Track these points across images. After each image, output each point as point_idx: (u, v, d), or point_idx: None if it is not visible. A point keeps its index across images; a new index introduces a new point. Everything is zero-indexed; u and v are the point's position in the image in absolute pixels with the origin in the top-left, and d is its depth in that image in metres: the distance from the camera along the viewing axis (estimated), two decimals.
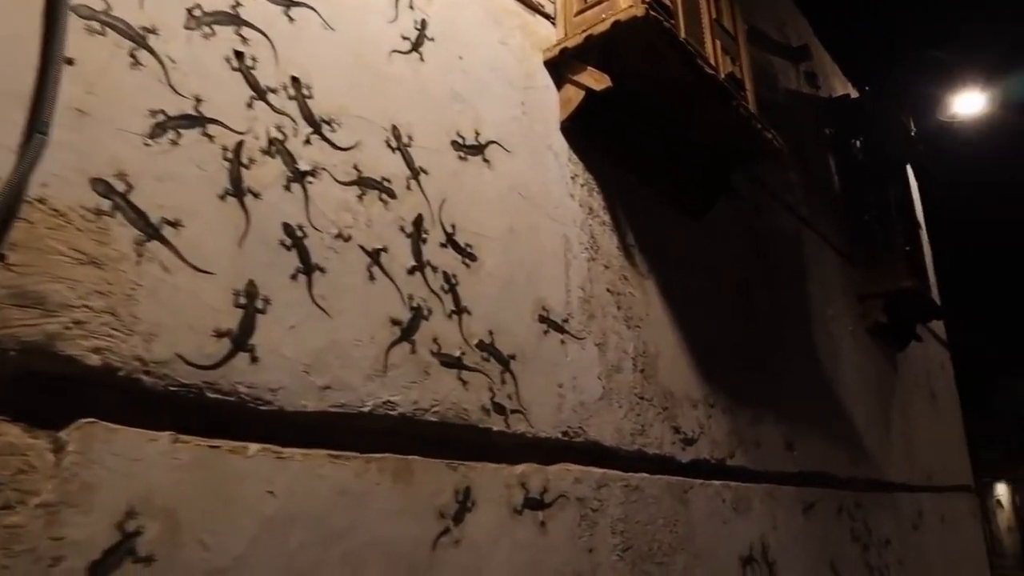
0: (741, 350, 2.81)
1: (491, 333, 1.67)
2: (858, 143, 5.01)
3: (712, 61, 2.48)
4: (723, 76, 2.50)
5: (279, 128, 1.35)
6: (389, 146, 1.56)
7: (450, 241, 1.63)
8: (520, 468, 1.66)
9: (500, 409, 1.64)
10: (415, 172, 1.60)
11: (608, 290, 2.09)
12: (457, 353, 1.57)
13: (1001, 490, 42.01)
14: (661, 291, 2.34)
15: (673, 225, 2.53)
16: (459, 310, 1.60)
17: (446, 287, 1.59)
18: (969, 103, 9.63)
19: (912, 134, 5.22)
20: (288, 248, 1.32)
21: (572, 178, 2.09)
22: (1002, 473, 40.99)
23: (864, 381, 4.17)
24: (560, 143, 2.08)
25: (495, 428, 1.62)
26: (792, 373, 3.22)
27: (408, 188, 1.57)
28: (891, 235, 4.57)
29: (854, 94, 5.46)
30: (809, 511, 3.05)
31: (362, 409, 1.36)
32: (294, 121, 1.38)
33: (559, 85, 2.14)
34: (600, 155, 2.23)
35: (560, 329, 1.87)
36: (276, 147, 1.34)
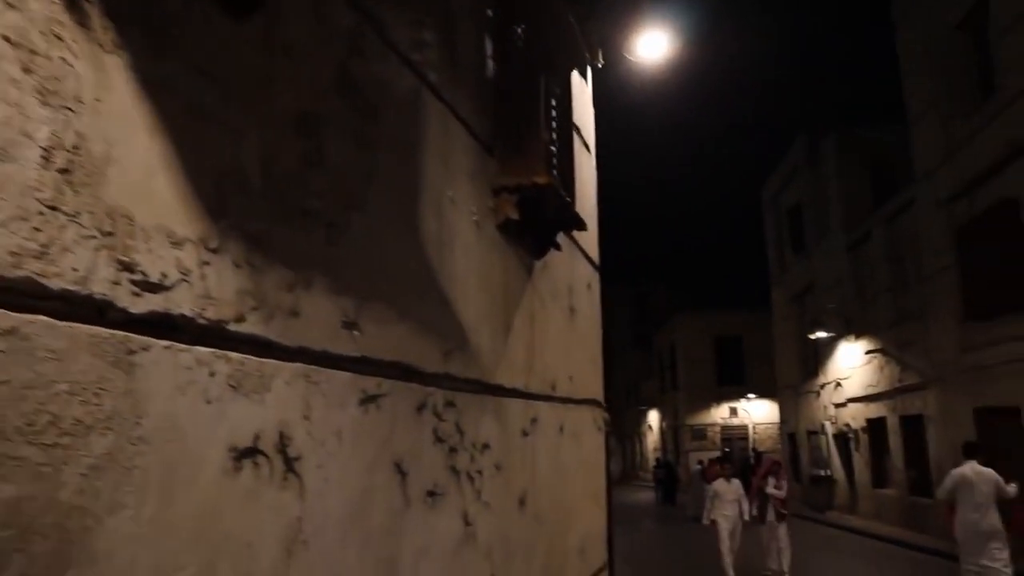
0: (292, 198, 2.23)
1: None
2: (520, 30, 4.66)
3: None
4: None
5: None
6: None
7: None
8: None
9: None
10: None
11: (8, 40, 1.37)
12: None
13: (653, 416, 47.57)
14: (139, 82, 1.67)
15: (188, 8, 1.86)
16: None
17: None
18: (653, 44, 9.89)
19: (580, 34, 4.98)
20: None
21: None
22: (655, 402, 46.42)
23: (483, 277, 3.85)
24: None
25: None
26: (375, 244, 2.73)
27: None
28: (536, 128, 4.27)
29: None
30: (370, 403, 2.61)
31: None
32: None
33: None
34: None
35: None
36: None
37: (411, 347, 2.97)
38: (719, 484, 13.63)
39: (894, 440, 20.59)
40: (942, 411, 17.62)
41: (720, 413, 40.42)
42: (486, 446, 3.72)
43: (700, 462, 28.92)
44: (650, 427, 48.11)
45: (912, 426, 19.41)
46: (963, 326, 16.66)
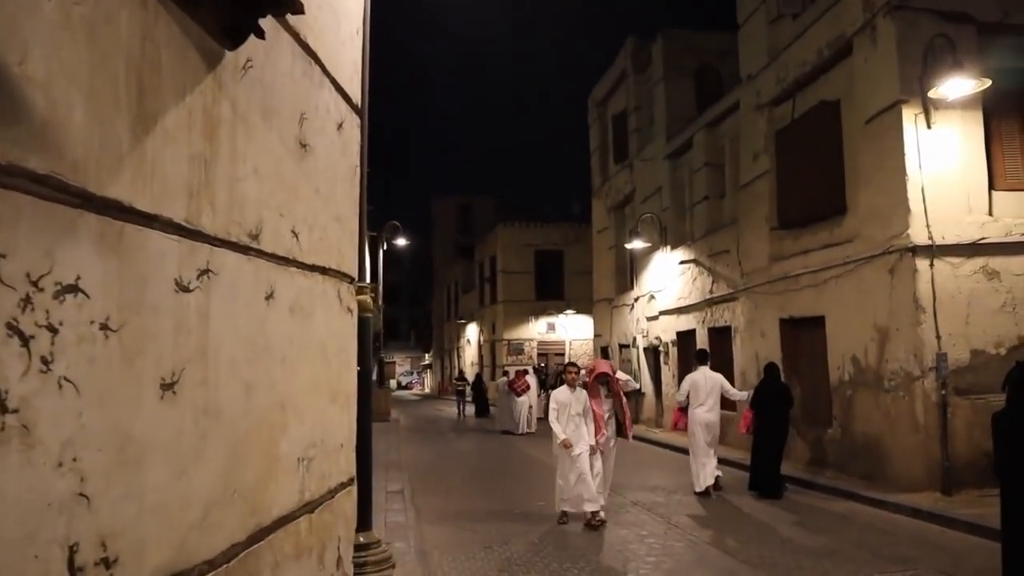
0: None
1: None
2: None
3: None
4: None
5: None
6: None
7: None
8: None
9: None
10: None
11: None
12: None
13: (472, 330, 47.23)
14: None
15: None
16: None
17: None
18: None
19: None
20: None
21: None
22: (475, 316, 46.04)
23: (80, 18, 2.35)
24: None
25: None
26: None
27: None
28: None
29: None
30: None
31: None
32: None
33: None
34: None
35: None
36: None
37: None
38: (561, 394, 10.77)
39: None
40: (749, 322, 17.75)
41: (538, 328, 40.55)
42: (74, 289, 2.30)
43: (505, 372, 28.54)
44: (468, 341, 47.77)
45: (720, 338, 19.58)
46: (774, 234, 16.63)
